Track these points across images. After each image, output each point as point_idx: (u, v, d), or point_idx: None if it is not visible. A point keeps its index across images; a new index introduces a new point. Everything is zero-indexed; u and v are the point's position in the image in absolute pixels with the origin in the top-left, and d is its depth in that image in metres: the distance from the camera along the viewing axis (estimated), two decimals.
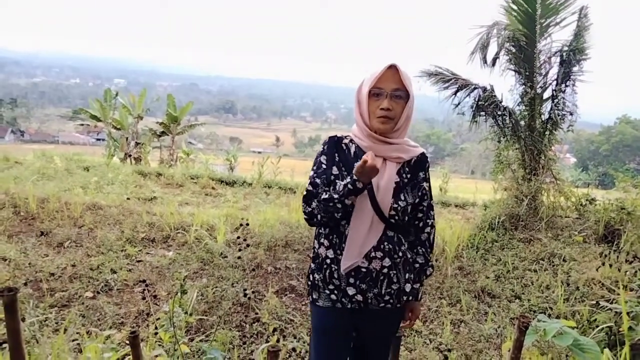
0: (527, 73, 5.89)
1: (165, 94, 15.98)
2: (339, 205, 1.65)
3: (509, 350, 1.65)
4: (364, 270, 1.70)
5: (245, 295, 3.63)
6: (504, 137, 6.08)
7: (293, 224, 5.15)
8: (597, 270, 4.23)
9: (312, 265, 1.83)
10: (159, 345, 2.68)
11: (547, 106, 6.02)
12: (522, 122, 5.99)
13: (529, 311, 3.82)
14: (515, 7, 5.74)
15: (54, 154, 9.51)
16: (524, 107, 6.02)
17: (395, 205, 1.70)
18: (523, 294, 4.12)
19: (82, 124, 16.77)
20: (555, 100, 5.89)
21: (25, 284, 3.64)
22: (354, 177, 1.61)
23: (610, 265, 4.18)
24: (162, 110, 16.26)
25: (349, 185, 1.62)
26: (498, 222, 5.49)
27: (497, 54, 6.03)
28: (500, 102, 5.93)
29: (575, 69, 5.78)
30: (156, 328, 2.98)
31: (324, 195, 1.69)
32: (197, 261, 4.29)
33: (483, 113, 5.97)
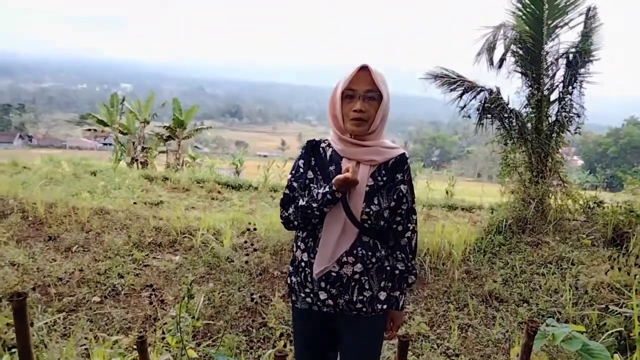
0: (534, 75, 5.86)
1: (172, 98, 16.08)
2: (317, 213, 1.67)
3: (517, 355, 1.64)
4: (334, 275, 1.69)
5: (252, 299, 3.63)
6: (510, 140, 6.05)
7: None
8: (606, 273, 4.19)
9: (290, 268, 1.84)
10: (166, 350, 2.69)
11: (554, 108, 5.99)
12: (529, 125, 5.96)
13: (537, 315, 3.79)
14: (522, 8, 5.72)
15: (62, 159, 9.59)
16: (530, 110, 5.99)
17: (367, 210, 1.66)
18: (531, 298, 4.09)
19: (90, 129, 16.90)
20: (562, 103, 5.86)
21: (34, 289, 3.66)
22: (333, 187, 1.61)
23: (620, 269, 4.14)
24: (169, 114, 16.35)
25: (328, 195, 1.63)
26: (505, 225, 5.46)
27: (504, 55, 6.01)
28: (507, 105, 5.90)
29: (582, 70, 5.75)
30: (163, 333, 2.98)
31: (302, 202, 1.70)
32: (203, 265, 4.30)
33: (489, 115, 5.95)
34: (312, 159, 1.79)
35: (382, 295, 1.74)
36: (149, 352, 1.92)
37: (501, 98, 5.89)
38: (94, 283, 3.85)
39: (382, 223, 1.70)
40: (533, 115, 5.96)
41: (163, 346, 2.79)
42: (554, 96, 5.99)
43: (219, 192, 8.07)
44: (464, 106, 5.95)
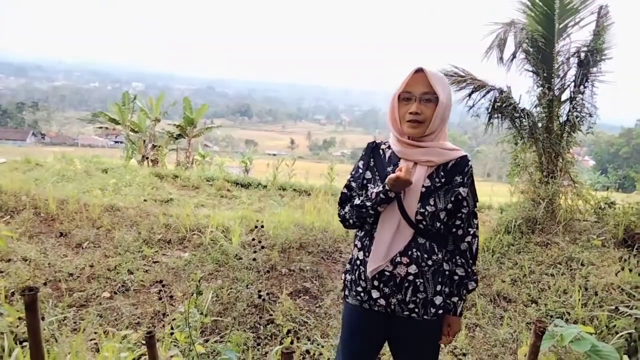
0: (545, 74, 5.81)
1: (182, 97, 16.18)
2: (371, 212, 1.71)
3: (525, 355, 1.63)
4: (387, 274, 1.70)
5: (260, 297, 3.65)
6: (521, 140, 6.01)
7: (307, 227, 5.17)
8: (616, 274, 4.14)
9: (347, 266, 1.87)
10: (175, 345, 2.72)
11: (565, 108, 5.93)
12: (540, 124, 5.90)
13: (546, 316, 3.76)
14: (532, 7, 5.67)
15: (74, 156, 9.70)
16: (541, 109, 5.94)
17: (422, 210, 1.66)
18: (540, 298, 4.06)
19: (101, 127, 17.07)
20: (574, 102, 5.80)
21: (45, 284, 3.72)
22: (386, 186, 1.64)
23: (630, 270, 4.09)
24: (179, 113, 16.46)
25: (381, 194, 1.66)
26: (514, 225, 5.42)
27: (514, 53, 5.96)
28: (518, 104, 5.86)
29: (594, 69, 5.68)
30: (172, 328, 3.01)
31: (357, 201, 1.75)
32: (212, 262, 4.33)
33: (499, 115, 5.91)
34: (372, 160, 1.83)
35: (438, 300, 1.72)
36: (158, 348, 1.94)
37: (512, 97, 5.84)
38: (104, 279, 3.90)
39: (438, 225, 1.69)
40: (544, 114, 5.90)
41: (171, 342, 2.82)
42: (565, 95, 5.93)
43: (228, 190, 8.11)
44: (473, 105, 5.91)
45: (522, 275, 4.45)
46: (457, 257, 1.75)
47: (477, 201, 1.78)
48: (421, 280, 1.69)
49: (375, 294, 1.73)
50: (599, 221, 5.66)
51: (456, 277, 1.75)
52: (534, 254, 4.88)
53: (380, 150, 1.83)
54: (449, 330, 1.80)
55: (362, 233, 1.80)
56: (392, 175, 1.61)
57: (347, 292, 1.86)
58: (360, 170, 1.82)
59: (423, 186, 1.68)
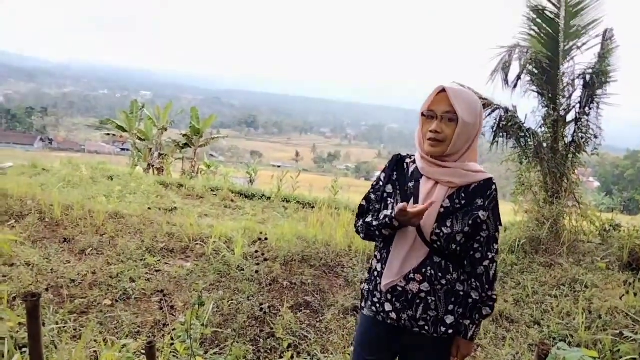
0: (550, 95, 5.84)
1: (189, 106, 16.31)
2: (377, 233, 1.73)
3: None
4: (400, 289, 1.71)
5: (261, 309, 3.63)
6: (526, 159, 6.01)
7: (310, 239, 5.16)
8: (620, 298, 4.11)
9: (366, 275, 1.90)
10: (174, 356, 2.71)
11: (570, 129, 5.95)
12: (545, 144, 5.91)
13: (549, 338, 3.72)
14: (538, 31, 5.72)
15: (80, 163, 9.76)
16: (546, 129, 5.96)
17: (438, 231, 1.65)
18: (542, 319, 4.02)
19: (108, 134, 17.20)
20: (579, 123, 5.82)
21: (47, 290, 3.72)
22: (393, 214, 1.64)
23: (635, 294, 4.06)
24: (186, 122, 16.58)
25: (387, 220, 1.67)
26: (518, 245, 5.39)
27: (519, 75, 6.00)
28: (523, 124, 5.88)
29: (599, 91, 5.71)
30: (172, 339, 3.00)
31: (368, 219, 1.77)
32: (214, 273, 4.33)
33: (504, 134, 5.93)
34: (395, 173, 1.82)
35: (449, 319, 1.71)
36: (157, 358, 1.94)
37: (517, 117, 5.86)
38: (106, 286, 3.90)
39: (454, 247, 1.67)
40: (549, 134, 5.92)
41: (171, 352, 2.81)
42: (570, 116, 5.95)
43: (232, 200, 8.13)
44: None
45: (525, 296, 4.42)
46: (473, 280, 1.73)
47: (501, 225, 1.75)
48: (433, 299, 1.68)
49: (387, 306, 1.74)
50: (603, 243, 5.63)
51: (470, 300, 1.73)
52: (537, 275, 4.85)
53: (405, 164, 1.83)
54: (457, 352, 1.78)
55: (382, 244, 1.80)
56: (401, 205, 1.59)
57: (363, 303, 1.88)
58: (381, 183, 1.83)
59: (442, 207, 1.67)
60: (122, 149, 48.68)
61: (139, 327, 3.40)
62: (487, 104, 5.90)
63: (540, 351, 1.57)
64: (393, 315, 1.73)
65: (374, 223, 1.72)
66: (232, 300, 3.81)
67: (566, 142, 5.94)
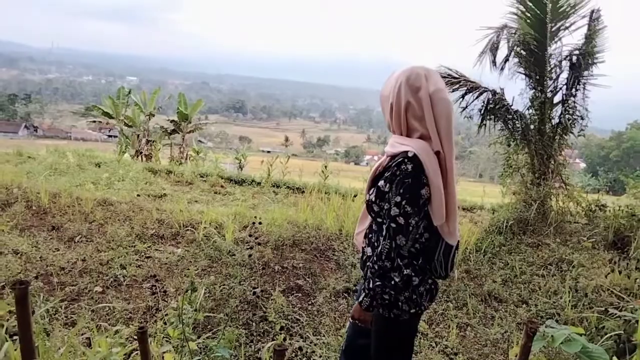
0: (538, 77, 5.86)
1: (177, 92, 16.12)
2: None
3: (516, 356, 1.65)
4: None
5: (254, 293, 3.65)
6: (513, 141, 6.05)
7: (301, 224, 5.17)
8: (606, 277, 4.20)
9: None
10: (167, 341, 2.71)
11: (557, 110, 5.99)
12: (532, 126, 5.95)
13: (536, 316, 3.80)
14: (524, 11, 5.71)
15: (67, 150, 9.63)
16: (533, 111, 5.99)
17: (366, 198, 1.82)
18: (530, 299, 4.10)
19: (95, 121, 16.94)
20: (566, 105, 5.86)
21: (36, 278, 3.70)
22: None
23: (620, 272, 4.15)
24: (173, 108, 16.37)
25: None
26: (506, 226, 5.47)
27: (507, 57, 6.00)
28: (510, 106, 5.90)
29: (586, 73, 5.74)
30: (164, 324, 3.01)
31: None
32: (205, 258, 4.33)
33: (492, 116, 5.95)
34: None
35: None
36: (150, 343, 1.94)
37: (505, 99, 5.88)
38: (96, 273, 3.88)
39: (373, 215, 1.80)
40: (536, 117, 5.96)
41: (163, 337, 2.82)
42: (557, 98, 5.99)
43: (222, 186, 8.09)
44: (466, 106, 5.94)
45: (513, 276, 4.50)
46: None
47: (409, 206, 1.63)
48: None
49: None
50: (589, 223, 5.72)
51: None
52: (525, 255, 4.93)
53: None
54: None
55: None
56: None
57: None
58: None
59: (374, 174, 1.84)
60: (109, 136, 48.09)
61: (130, 313, 3.40)
62: (474, 87, 5.91)
63: (529, 329, 1.60)
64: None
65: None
66: (224, 285, 3.82)
67: (553, 124, 5.98)
